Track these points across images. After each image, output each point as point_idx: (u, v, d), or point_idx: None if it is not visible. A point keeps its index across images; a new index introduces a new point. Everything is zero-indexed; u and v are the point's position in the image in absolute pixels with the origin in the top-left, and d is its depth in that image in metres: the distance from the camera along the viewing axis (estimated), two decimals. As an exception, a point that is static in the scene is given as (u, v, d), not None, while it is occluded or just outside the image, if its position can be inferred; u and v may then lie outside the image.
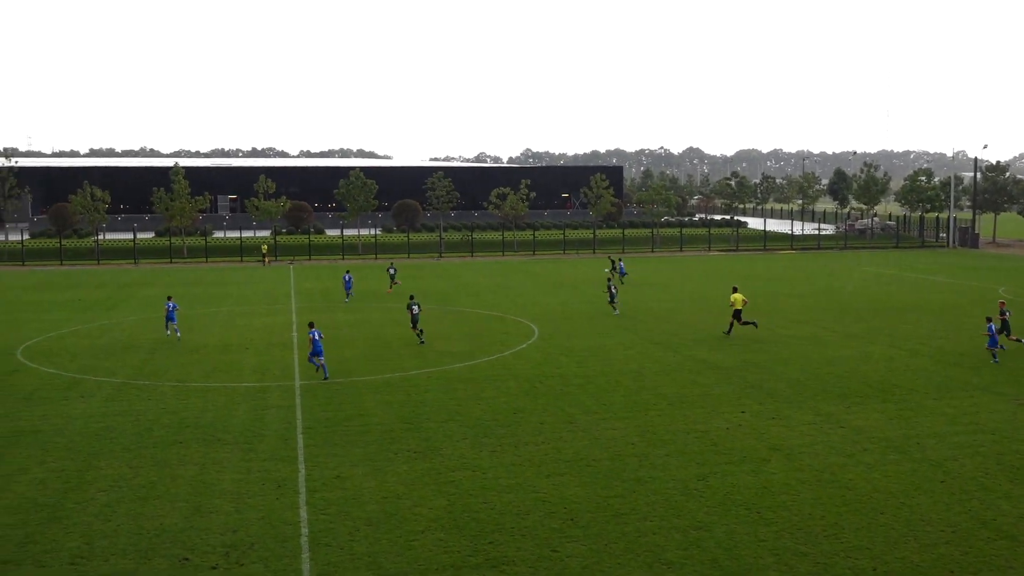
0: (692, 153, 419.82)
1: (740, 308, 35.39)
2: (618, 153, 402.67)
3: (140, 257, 76.47)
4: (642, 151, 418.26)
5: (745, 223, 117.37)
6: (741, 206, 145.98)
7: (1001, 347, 30.84)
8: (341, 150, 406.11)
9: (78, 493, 18.29)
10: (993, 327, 30.61)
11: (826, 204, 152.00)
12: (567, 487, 18.43)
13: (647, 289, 52.38)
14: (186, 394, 26.73)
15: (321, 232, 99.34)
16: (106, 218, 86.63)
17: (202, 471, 19.61)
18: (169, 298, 36.95)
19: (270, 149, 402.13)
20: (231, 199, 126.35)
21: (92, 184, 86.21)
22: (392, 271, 53.30)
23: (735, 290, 36.28)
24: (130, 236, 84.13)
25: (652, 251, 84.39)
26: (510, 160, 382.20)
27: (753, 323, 35.99)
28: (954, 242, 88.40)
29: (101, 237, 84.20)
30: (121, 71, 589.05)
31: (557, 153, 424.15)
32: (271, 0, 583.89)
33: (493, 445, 21.33)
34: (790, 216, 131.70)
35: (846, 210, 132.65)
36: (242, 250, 77.72)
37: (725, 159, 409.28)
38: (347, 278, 49.12)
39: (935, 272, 62.46)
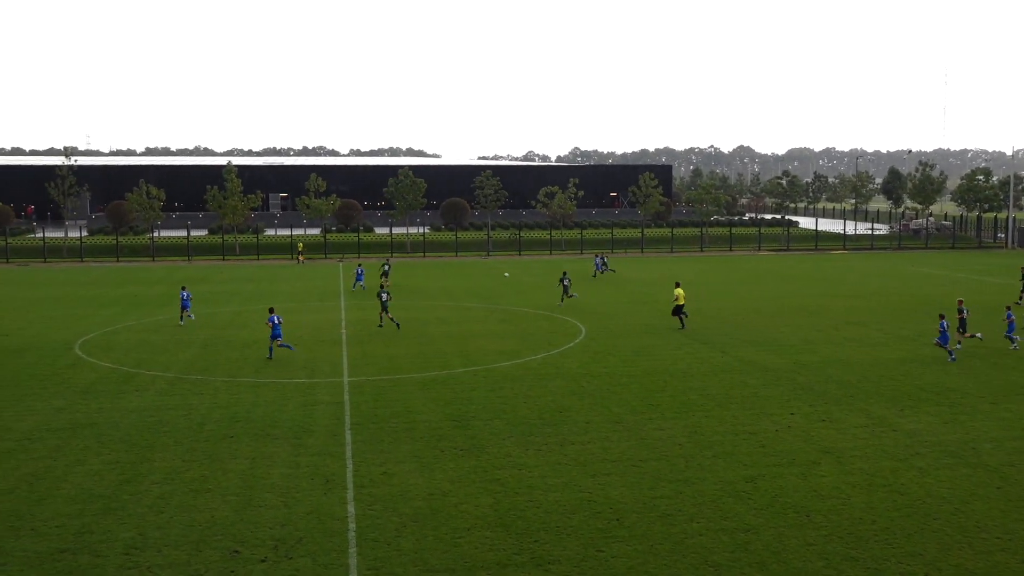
0: (742, 152, 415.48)
1: (682, 303, 37.55)
2: (667, 152, 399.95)
3: (193, 254, 77.85)
4: (692, 150, 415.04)
5: (796, 223, 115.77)
6: (792, 205, 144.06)
7: (957, 345, 31.63)
8: (390, 149, 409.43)
9: (133, 485, 18.69)
10: (946, 324, 30.75)
11: (880, 204, 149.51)
12: (613, 487, 18.37)
13: (694, 288, 51.92)
14: (237, 389, 27.16)
15: (370, 230, 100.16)
16: (161, 216, 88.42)
17: (252, 465, 19.91)
18: (184, 288, 40.78)
19: (321, 148, 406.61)
20: (282, 197, 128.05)
21: (148, 182, 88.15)
22: (386, 267, 55.23)
23: (677, 285, 38.79)
24: (184, 233, 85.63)
25: (701, 250, 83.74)
26: (558, 159, 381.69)
27: (682, 323, 37.35)
28: (1013, 243, 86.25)
29: (156, 234, 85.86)
30: (177, 73, 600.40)
31: (606, 152, 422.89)
32: (326, 2, 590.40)
33: (539, 444, 21.34)
34: (843, 216, 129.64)
35: (900, 210, 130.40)
36: (292, 248, 78.74)
37: (776, 158, 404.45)
38: (359, 271, 53.28)
39: (992, 274, 61.05)
